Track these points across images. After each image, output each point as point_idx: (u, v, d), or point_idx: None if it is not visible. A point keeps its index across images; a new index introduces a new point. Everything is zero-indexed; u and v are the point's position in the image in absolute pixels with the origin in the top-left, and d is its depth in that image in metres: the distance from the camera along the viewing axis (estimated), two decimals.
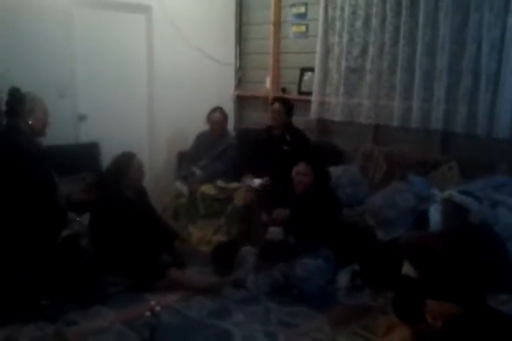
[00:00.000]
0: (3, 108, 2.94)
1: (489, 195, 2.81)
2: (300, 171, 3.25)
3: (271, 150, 3.94)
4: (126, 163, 3.25)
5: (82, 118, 4.18)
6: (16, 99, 2.86)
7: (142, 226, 3.20)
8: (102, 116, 4.26)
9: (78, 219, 3.35)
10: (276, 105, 4.03)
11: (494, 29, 3.23)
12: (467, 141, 3.50)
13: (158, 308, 2.52)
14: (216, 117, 4.31)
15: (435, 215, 2.86)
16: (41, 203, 2.78)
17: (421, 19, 3.57)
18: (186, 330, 2.65)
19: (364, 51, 3.99)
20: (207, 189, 4.05)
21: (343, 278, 3.12)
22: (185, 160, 4.40)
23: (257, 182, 3.79)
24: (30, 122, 2.85)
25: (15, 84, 2.98)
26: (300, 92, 4.56)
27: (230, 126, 4.98)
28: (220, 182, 4.03)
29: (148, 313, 2.50)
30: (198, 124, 4.48)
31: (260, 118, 4.98)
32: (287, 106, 4.03)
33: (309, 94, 4.41)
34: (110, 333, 2.59)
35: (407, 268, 2.56)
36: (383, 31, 3.84)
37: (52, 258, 2.79)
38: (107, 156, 4.03)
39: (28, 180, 2.75)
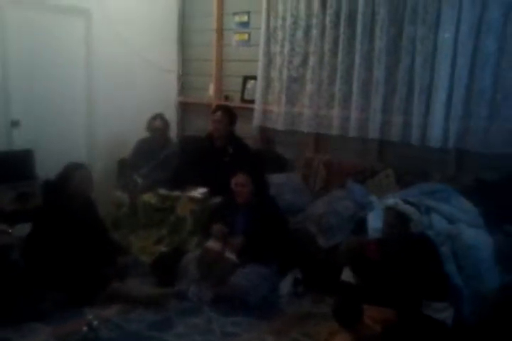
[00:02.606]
0: None
1: (423, 201, 2.92)
2: (239, 182, 3.23)
3: (212, 160, 3.87)
4: (69, 175, 3.12)
5: (15, 124, 3.99)
6: None
7: (85, 239, 3.07)
8: (37, 121, 4.11)
9: (10, 230, 3.19)
10: (219, 114, 3.94)
11: (427, 42, 3.38)
12: (402, 149, 3.64)
13: (96, 322, 2.46)
14: (157, 124, 4.23)
15: (373, 222, 2.94)
16: None
17: (358, 31, 3.68)
18: None
19: (305, 61, 4.07)
20: (148, 198, 3.96)
21: (285, 286, 3.15)
22: (125, 168, 4.29)
23: (200, 191, 3.74)
24: None
25: None
26: (243, 100, 4.58)
27: (173, 133, 4.93)
28: (162, 191, 3.95)
29: (85, 328, 2.43)
30: (140, 131, 4.39)
31: (203, 125, 4.94)
32: (230, 115, 3.96)
33: (252, 102, 4.43)
34: None
35: (346, 274, 2.62)
36: (323, 42, 3.93)
37: None
38: (41, 164, 3.89)
39: None
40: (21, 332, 2.62)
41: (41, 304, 2.83)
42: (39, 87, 4.10)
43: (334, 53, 3.87)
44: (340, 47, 3.80)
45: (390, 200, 2.48)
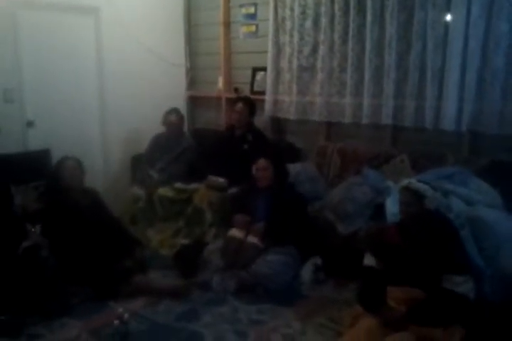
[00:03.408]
0: None
1: (440, 185, 2.93)
2: (260, 167, 3.31)
3: (232, 149, 3.97)
4: (58, 167, 3.24)
5: (30, 124, 4.03)
6: None
7: (97, 232, 3.13)
8: (51, 121, 4.14)
9: (33, 229, 3.23)
10: (240, 105, 4.05)
11: (438, 26, 3.38)
12: (416, 134, 3.65)
13: (126, 315, 2.50)
14: (173, 119, 4.27)
15: (391, 207, 2.96)
16: None
17: (368, 18, 3.67)
18: (157, 336, 2.63)
19: (314, 50, 4.07)
20: (164, 191, 4.00)
21: (307, 273, 3.19)
22: (141, 163, 4.34)
23: (221, 180, 3.80)
24: None
25: None
26: (253, 92, 4.60)
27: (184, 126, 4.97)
28: (178, 184, 4.00)
29: (116, 321, 2.47)
30: (151, 126, 4.44)
31: (213, 118, 4.99)
32: (250, 106, 4.06)
33: (262, 93, 4.45)
34: None
35: (368, 259, 2.64)
36: (332, 30, 3.92)
37: (12, 271, 2.68)
38: None
39: None
40: (51, 327, 2.68)
41: (68, 299, 2.89)
42: (52, 87, 4.13)
43: (344, 41, 3.87)
44: (351, 34, 3.80)
45: (403, 181, 2.51)
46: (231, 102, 4.44)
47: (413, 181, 2.45)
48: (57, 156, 3.94)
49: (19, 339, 2.55)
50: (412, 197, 2.42)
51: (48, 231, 2.99)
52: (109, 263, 3.02)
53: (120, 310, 2.52)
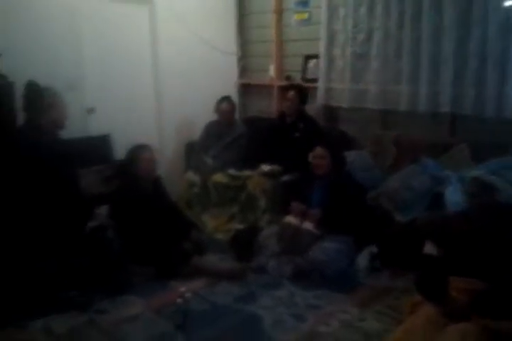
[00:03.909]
0: (20, 102, 2.92)
1: (504, 175, 2.87)
2: (317, 155, 3.34)
3: (283, 137, 4.00)
4: (136, 155, 3.32)
5: (90, 111, 4.18)
6: (35, 94, 2.84)
7: (160, 216, 3.25)
8: (111, 108, 4.26)
9: (97, 211, 3.37)
10: (292, 93, 4.07)
11: (499, 11, 3.27)
12: (476, 123, 3.55)
13: (188, 294, 2.59)
14: (225, 107, 4.33)
15: (452, 196, 2.93)
16: (68, 196, 2.81)
17: (425, 3, 3.60)
18: (217, 315, 2.70)
19: (369, 37, 4.02)
20: (219, 177, 4.08)
21: (362, 260, 3.19)
22: (195, 150, 4.43)
23: (266, 167, 3.84)
24: (51, 116, 2.85)
25: (25, 78, 2.95)
26: (305, 79, 4.59)
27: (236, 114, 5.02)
28: (232, 171, 4.07)
29: (179, 300, 2.56)
30: (204, 114, 4.53)
31: (265, 106, 5.02)
32: (302, 94, 4.08)
33: (314, 81, 4.44)
34: (141, 320, 2.64)
35: (429, 248, 2.62)
36: (388, 16, 3.86)
37: (80, 250, 2.82)
38: (117, 149, 4.07)
39: (54, 175, 2.77)
40: (116, 303, 2.80)
41: (131, 278, 3.01)
42: (110, 76, 4.25)
43: (400, 27, 3.80)
44: (407, 21, 3.73)
45: (474, 171, 2.47)
46: (283, 90, 4.45)
47: (483, 172, 2.41)
48: (116, 142, 4.13)
49: (87, 313, 2.68)
50: (482, 189, 2.38)
51: (115, 214, 3.13)
52: (169, 245, 3.13)
53: (183, 289, 2.60)
